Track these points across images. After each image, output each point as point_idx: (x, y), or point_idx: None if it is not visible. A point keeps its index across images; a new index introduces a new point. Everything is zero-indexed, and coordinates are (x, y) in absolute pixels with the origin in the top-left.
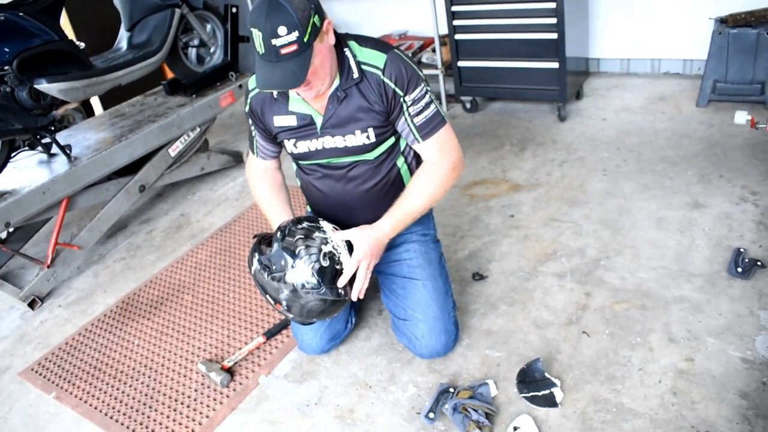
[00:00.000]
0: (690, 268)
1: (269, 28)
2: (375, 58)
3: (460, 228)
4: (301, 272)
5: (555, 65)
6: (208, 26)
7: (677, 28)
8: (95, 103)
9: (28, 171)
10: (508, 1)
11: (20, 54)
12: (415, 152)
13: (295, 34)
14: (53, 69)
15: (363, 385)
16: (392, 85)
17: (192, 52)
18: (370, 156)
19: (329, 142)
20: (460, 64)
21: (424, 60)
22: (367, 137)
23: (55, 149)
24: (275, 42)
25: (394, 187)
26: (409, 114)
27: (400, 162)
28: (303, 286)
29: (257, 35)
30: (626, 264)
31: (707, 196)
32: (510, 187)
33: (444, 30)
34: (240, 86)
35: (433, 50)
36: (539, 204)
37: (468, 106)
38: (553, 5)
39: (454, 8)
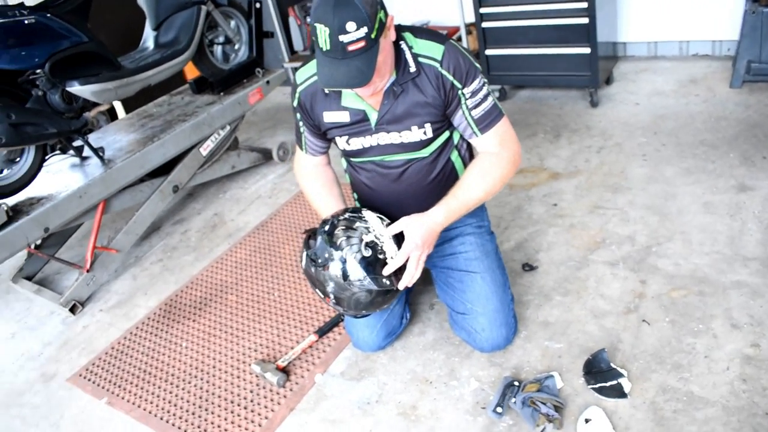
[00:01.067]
0: (744, 252)
1: (337, 23)
2: (432, 50)
3: (503, 219)
4: (343, 263)
5: (586, 50)
6: (233, 22)
7: (705, 9)
8: (117, 104)
9: (62, 175)
10: None
11: (52, 57)
12: (468, 144)
13: (363, 30)
14: (84, 71)
15: (423, 381)
16: (450, 77)
17: (217, 50)
18: (425, 152)
19: (384, 138)
20: (488, 52)
21: None
22: (424, 132)
23: (87, 152)
24: (343, 38)
25: (449, 182)
26: (467, 107)
27: (455, 156)
28: (346, 277)
29: (322, 31)
30: (678, 250)
31: (753, 178)
32: (549, 176)
33: (469, 18)
34: (267, 82)
35: (459, 39)
36: (581, 192)
37: (497, 95)
38: None
39: None
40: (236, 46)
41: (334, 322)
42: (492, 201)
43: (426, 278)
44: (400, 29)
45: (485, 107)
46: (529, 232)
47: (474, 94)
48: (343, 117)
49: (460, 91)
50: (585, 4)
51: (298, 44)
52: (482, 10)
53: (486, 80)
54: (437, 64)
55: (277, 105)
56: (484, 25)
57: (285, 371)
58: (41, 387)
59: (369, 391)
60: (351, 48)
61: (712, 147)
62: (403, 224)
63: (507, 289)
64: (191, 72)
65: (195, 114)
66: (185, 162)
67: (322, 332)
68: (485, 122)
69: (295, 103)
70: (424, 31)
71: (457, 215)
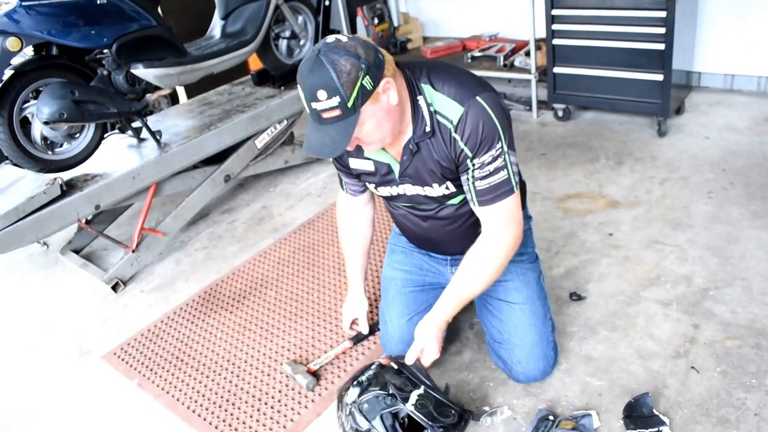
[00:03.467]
0: None
1: (308, 89)
2: (451, 110)
3: (554, 243)
4: None
5: (659, 77)
6: (300, 18)
7: None
8: (179, 89)
9: (118, 155)
10: (615, 8)
11: (120, 38)
12: None
13: (335, 100)
14: (150, 54)
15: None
16: (462, 145)
17: (282, 44)
18: (454, 201)
19: (409, 189)
20: (556, 70)
21: (516, 64)
22: (446, 188)
23: (144, 134)
24: (315, 105)
25: None
26: (473, 176)
27: None
28: None
29: (300, 94)
30: (737, 296)
31: None
32: (607, 203)
33: (540, 34)
34: None
35: (527, 54)
36: (639, 224)
37: (560, 114)
38: (663, 14)
39: (555, 12)
40: (301, 42)
41: (371, 332)
42: (544, 224)
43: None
44: (423, 77)
45: (492, 181)
46: (580, 260)
47: (484, 165)
48: (368, 166)
49: (469, 160)
50: (663, 30)
51: None
52: (554, 27)
53: (506, 148)
54: (452, 127)
55: None
56: (555, 42)
57: (316, 375)
58: (76, 360)
59: None
60: (325, 116)
61: None
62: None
63: (547, 321)
64: (254, 63)
65: (254, 106)
66: (239, 153)
67: (357, 339)
68: (488, 196)
69: None
70: (452, 81)
71: (459, 308)
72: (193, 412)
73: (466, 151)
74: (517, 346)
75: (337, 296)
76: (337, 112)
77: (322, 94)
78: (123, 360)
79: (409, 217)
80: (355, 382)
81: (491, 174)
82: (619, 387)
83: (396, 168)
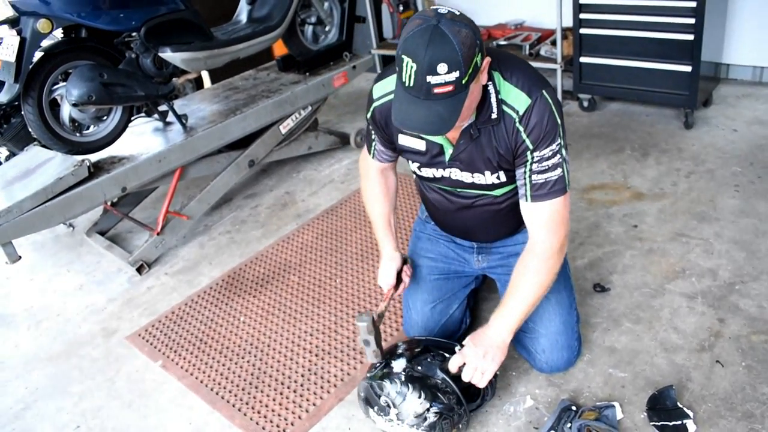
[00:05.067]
0: None
1: (428, 61)
2: (518, 101)
3: (578, 234)
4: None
5: (687, 68)
6: (326, 4)
7: None
8: (204, 74)
9: (144, 138)
10: None
11: (148, 21)
12: None
13: (455, 74)
14: (178, 38)
15: None
16: (524, 136)
17: (308, 30)
18: (497, 192)
19: (456, 174)
20: (583, 60)
21: (542, 53)
22: (497, 177)
23: (170, 118)
24: (431, 79)
25: (517, 219)
26: (531, 169)
27: None
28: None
29: (409, 66)
30: (764, 291)
31: None
32: (632, 195)
33: (567, 23)
34: (354, 67)
35: (553, 43)
36: (665, 216)
37: (585, 104)
38: (693, 4)
39: (583, 0)
40: (327, 28)
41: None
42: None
43: (492, 286)
44: (496, 62)
45: (548, 177)
46: (604, 252)
47: (543, 159)
48: (419, 145)
49: (529, 152)
50: (692, 20)
51: (387, 32)
52: (582, 16)
53: (564, 145)
54: (516, 117)
55: (360, 90)
56: (582, 31)
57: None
58: (101, 341)
59: None
60: (437, 91)
61: None
62: (461, 357)
63: (572, 311)
64: (279, 49)
65: (279, 91)
66: (264, 138)
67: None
68: (541, 191)
69: (369, 116)
70: (520, 73)
71: (521, 323)
72: (216, 394)
73: (528, 142)
74: (542, 335)
75: (360, 282)
76: (450, 88)
77: (442, 67)
78: (147, 341)
79: (443, 202)
80: (393, 356)
81: (549, 169)
82: (642, 379)
83: (449, 151)
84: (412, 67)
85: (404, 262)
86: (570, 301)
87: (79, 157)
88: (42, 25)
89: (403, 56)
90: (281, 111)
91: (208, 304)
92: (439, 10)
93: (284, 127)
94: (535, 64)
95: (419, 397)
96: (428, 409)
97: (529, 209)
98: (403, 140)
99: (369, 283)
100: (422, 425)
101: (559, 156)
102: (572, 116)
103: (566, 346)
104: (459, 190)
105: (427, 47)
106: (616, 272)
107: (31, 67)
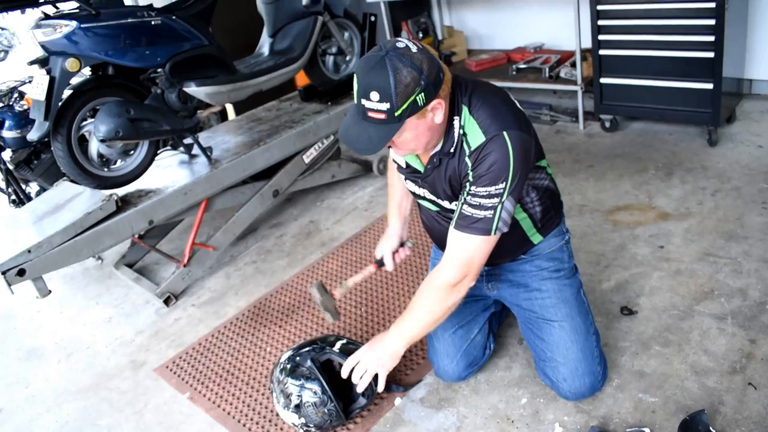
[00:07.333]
0: None
1: (363, 86)
2: (476, 137)
3: (604, 256)
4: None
5: (709, 86)
6: (346, 34)
7: None
8: (228, 106)
9: (170, 171)
10: (662, 17)
11: (173, 57)
12: (545, 193)
13: (385, 105)
14: (202, 73)
15: (504, 419)
16: (468, 169)
17: (329, 60)
18: None
19: (428, 195)
20: (603, 80)
21: (562, 75)
22: (456, 206)
23: (196, 150)
24: (365, 103)
25: (513, 234)
26: (464, 200)
27: (521, 216)
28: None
29: (354, 85)
30: None
31: None
32: (658, 215)
33: (585, 44)
34: None
35: (573, 65)
36: (691, 236)
37: (607, 125)
38: (712, 22)
39: (601, 22)
40: (348, 57)
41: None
42: (593, 237)
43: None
44: (466, 94)
45: (476, 213)
46: (631, 274)
47: (477, 195)
48: (401, 160)
49: (468, 184)
50: (712, 38)
51: None
52: (601, 37)
53: (505, 194)
54: (468, 152)
55: None
56: (602, 52)
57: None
58: (130, 373)
59: (448, 422)
60: (370, 115)
61: None
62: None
63: (590, 335)
64: (302, 79)
65: (302, 121)
66: (288, 168)
67: (380, 264)
68: (463, 222)
69: None
70: (489, 110)
71: (416, 341)
72: (244, 425)
73: (470, 176)
74: (561, 364)
75: (385, 311)
76: (382, 116)
77: (374, 95)
78: (175, 373)
79: (431, 220)
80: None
81: (479, 207)
82: (673, 404)
83: (420, 171)
84: (355, 86)
85: (402, 244)
86: (586, 326)
87: (107, 192)
88: (71, 64)
89: (354, 75)
90: (304, 141)
91: (234, 335)
92: (397, 43)
93: (307, 157)
94: (555, 87)
95: (290, 382)
96: (297, 394)
97: (450, 236)
98: (392, 153)
99: (395, 311)
100: (290, 406)
101: (496, 200)
102: (594, 137)
103: (588, 372)
104: (437, 210)
105: (367, 73)
106: (643, 294)
107: (60, 104)
